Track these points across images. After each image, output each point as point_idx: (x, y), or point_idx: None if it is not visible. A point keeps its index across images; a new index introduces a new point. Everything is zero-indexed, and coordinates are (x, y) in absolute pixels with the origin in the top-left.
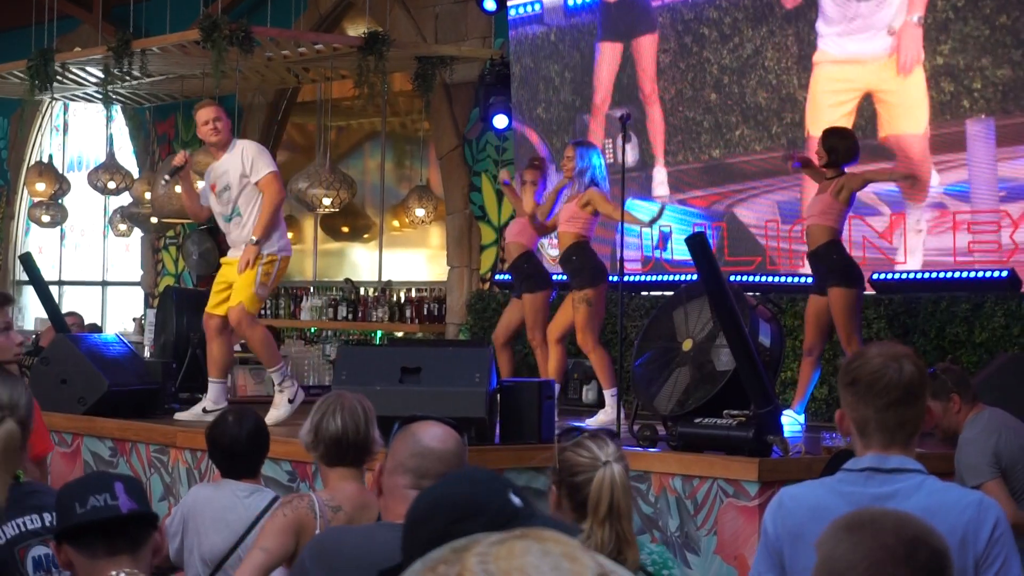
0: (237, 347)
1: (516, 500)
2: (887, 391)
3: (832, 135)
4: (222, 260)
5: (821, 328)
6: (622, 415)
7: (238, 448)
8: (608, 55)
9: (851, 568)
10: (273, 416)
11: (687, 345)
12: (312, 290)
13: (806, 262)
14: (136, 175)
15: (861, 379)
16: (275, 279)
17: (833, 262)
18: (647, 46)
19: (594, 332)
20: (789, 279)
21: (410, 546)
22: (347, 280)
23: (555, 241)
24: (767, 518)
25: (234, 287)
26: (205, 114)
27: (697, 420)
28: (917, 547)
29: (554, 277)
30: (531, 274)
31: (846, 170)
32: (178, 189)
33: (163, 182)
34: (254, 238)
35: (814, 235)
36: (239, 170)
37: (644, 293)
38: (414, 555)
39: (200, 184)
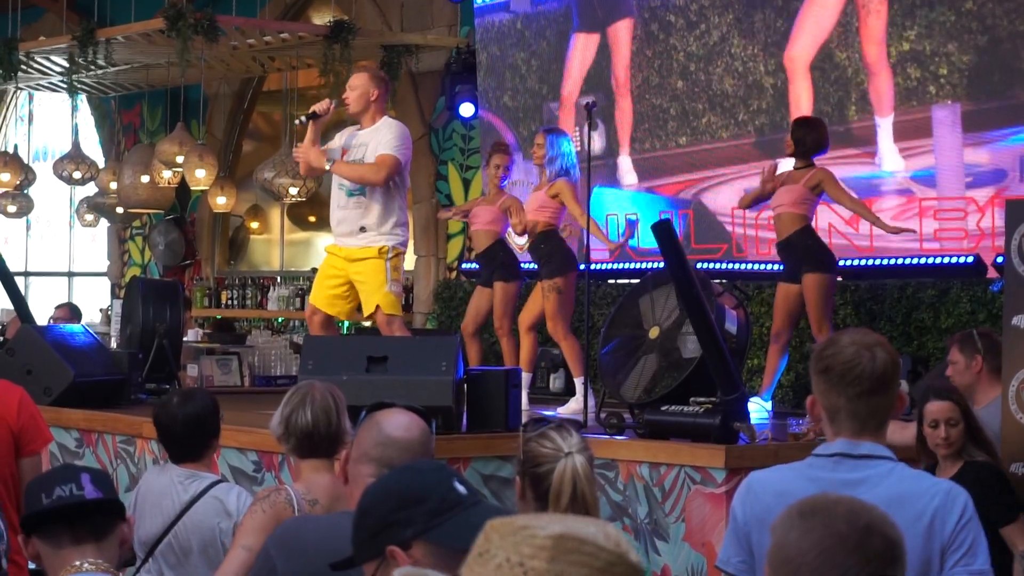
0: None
1: (461, 488)
2: (859, 380)
3: (800, 126)
4: (329, 249)
5: (790, 314)
6: (591, 403)
7: (177, 431)
8: (583, 45)
9: (801, 555)
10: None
11: (654, 333)
12: (279, 280)
13: (773, 249)
14: (102, 165)
15: (834, 368)
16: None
17: (807, 248)
18: (623, 32)
19: (564, 320)
20: (755, 266)
21: (357, 535)
22: (314, 270)
23: None
24: (735, 503)
25: (363, 290)
26: (350, 81)
27: (664, 407)
28: (870, 535)
29: (523, 266)
30: (505, 262)
31: (816, 162)
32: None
33: (298, 123)
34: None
35: (784, 224)
36: (375, 146)
37: (611, 281)
38: (361, 544)
39: (334, 144)
